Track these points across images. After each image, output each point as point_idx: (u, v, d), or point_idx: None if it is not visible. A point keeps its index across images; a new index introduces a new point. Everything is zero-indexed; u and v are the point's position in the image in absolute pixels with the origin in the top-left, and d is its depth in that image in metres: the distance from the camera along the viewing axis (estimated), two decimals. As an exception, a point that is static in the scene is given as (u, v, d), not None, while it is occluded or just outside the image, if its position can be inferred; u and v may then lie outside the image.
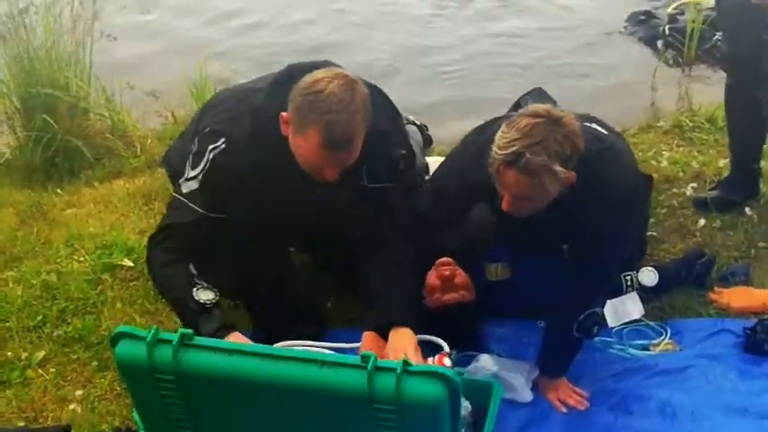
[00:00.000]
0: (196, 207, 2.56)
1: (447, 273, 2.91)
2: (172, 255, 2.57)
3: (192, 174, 2.56)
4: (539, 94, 3.92)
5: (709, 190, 3.61)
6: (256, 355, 1.70)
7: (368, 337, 2.58)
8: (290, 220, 2.66)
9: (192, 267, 2.55)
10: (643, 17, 5.51)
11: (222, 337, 2.31)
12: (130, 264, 3.41)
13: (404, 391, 1.62)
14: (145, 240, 3.43)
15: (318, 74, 2.37)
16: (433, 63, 5.34)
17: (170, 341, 1.72)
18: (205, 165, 2.54)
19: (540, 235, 2.61)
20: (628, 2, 5.78)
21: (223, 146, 2.53)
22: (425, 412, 1.65)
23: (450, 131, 4.29)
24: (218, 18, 6.20)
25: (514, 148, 2.27)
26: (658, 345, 2.93)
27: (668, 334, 2.96)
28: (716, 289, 3.14)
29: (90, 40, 4.26)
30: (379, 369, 1.63)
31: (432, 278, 2.93)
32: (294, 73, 2.47)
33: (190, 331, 1.74)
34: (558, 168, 2.29)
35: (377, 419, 1.67)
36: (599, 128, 2.63)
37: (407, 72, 5.22)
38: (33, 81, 4.15)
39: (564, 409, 2.72)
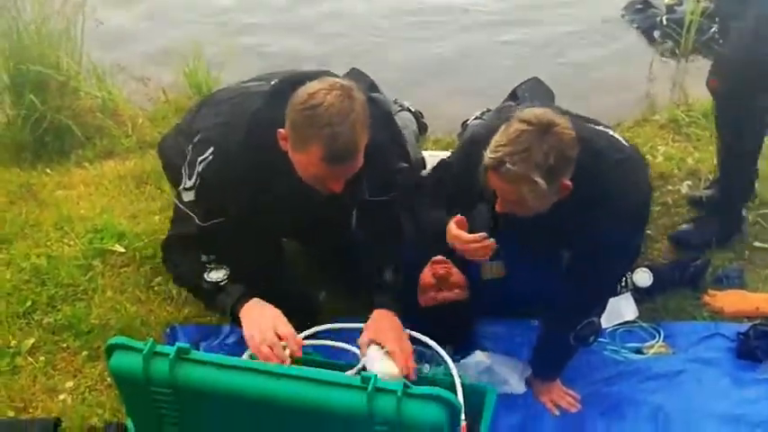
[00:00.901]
0: (196, 219, 2.55)
1: (442, 271, 2.91)
2: (183, 253, 2.66)
3: (189, 184, 2.54)
4: (535, 85, 3.91)
5: (705, 188, 3.60)
6: (254, 372, 1.68)
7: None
8: (287, 228, 2.69)
9: (201, 256, 2.58)
10: (640, 6, 5.46)
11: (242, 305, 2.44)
12: (122, 249, 3.36)
13: (404, 413, 1.61)
14: (137, 226, 3.47)
15: (314, 86, 2.29)
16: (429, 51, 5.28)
17: (167, 354, 1.70)
18: (196, 178, 2.52)
19: (535, 237, 2.60)
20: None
21: (211, 157, 2.50)
22: (425, 433, 1.64)
23: (448, 118, 4.29)
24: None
25: (499, 155, 2.26)
26: (651, 347, 2.94)
27: (661, 336, 2.97)
28: (710, 291, 3.14)
29: (81, 17, 4.19)
30: (379, 390, 1.62)
31: (426, 276, 2.93)
32: (294, 84, 2.39)
33: (187, 345, 1.72)
34: (539, 180, 2.24)
35: (375, 439, 1.66)
36: (618, 137, 2.61)
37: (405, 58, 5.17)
38: (23, 58, 4.07)
39: (557, 412, 2.74)
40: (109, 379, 2.83)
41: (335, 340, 2.55)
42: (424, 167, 3.28)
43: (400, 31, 5.45)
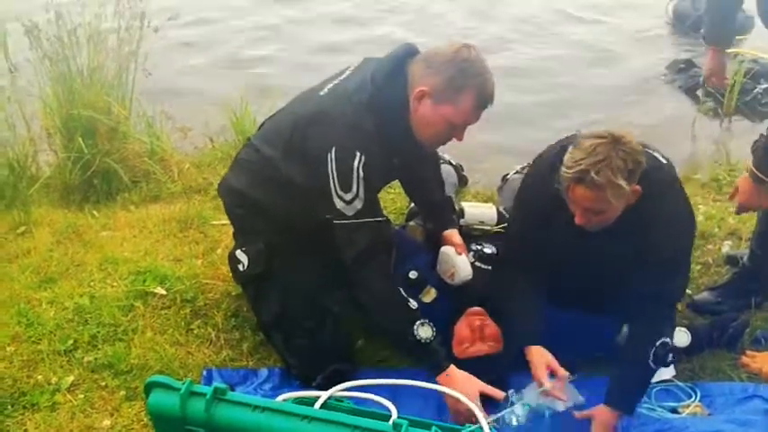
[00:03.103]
0: (376, 218, 2.77)
1: (477, 323, 2.92)
2: (384, 272, 2.82)
3: (350, 196, 2.67)
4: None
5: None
6: (288, 414, 1.70)
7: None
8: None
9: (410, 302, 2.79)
10: (683, 65, 5.51)
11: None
12: (163, 292, 3.41)
13: (435, 460, 1.62)
14: (179, 269, 3.53)
15: (451, 46, 2.70)
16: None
17: (203, 394, 1.73)
18: (358, 184, 2.67)
19: (610, 247, 2.73)
20: (669, 50, 5.78)
21: (363, 158, 2.66)
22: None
23: (486, 172, 4.33)
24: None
25: (581, 167, 2.47)
26: (687, 407, 2.90)
27: (698, 396, 2.94)
28: (748, 353, 3.11)
29: (134, 65, 4.32)
30: (409, 436, 1.63)
31: (461, 328, 2.94)
32: (403, 59, 2.76)
33: (224, 386, 1.75)
34: (622, 182, 2.47)
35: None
36: (657, 155, 2.75)
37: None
38: (75, 103, 4.21)
39: None
40: (146, 419, 2.86)
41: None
42: (463, 217, 3.32)
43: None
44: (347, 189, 2.66)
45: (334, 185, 2.66)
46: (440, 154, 4.23)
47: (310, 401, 1.92)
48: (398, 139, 2.76)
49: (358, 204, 2.68)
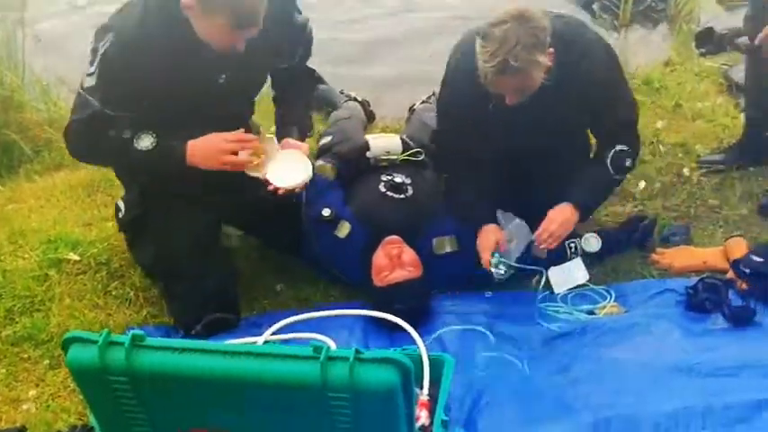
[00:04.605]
0: (94, 100, 2.66)
1: (395, 251, 2.95)
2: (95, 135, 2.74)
3: (90, 70, 2.65)
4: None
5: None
6: (208, 352, 1.70)
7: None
8: (200, 101, 2.76)
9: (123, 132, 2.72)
10: (578, -19, 5.55)
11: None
12: (77, 257, 3.35)
13: (357, 378, 1.64)
14: (90, 233, 3.48)
15: None
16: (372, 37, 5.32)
17: (122, 343, 1.72)
18: (98, 62, 2.63)
19: (549, 111, 2.83)
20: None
21: (111, 40, 2.61)
22: (379, 398, 1.67)
23: (393, 107, 4.33)
24: None
25: (499, 59, 2.56)
26: (604, 308, 2.99)
27: (613, 297, 3.03)
28: (658, 250, 3.22)
29: (21, 32, 4.18)
30: (331, 359, 1.65)
31: (379, 257, 2.97)
32: None
33: (141, 332, 1.74)
34: (540, 57, 2.60)
35: (331, 407, 1.69)
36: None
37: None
38: (-37, 74, 4.07)
39: (543, 246, 2.95)
40: (72, 385, 2.83)
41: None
42: (368, 150, 3.33)
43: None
44: (90, 64, 2.66)
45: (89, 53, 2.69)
46: (344, 91, 4.26)
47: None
48: (182, 41, 2.62)
49: (91, 81, 2.66)
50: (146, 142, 2.71)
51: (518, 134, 2.90)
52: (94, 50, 2.64)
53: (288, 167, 2.86)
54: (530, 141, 2.93)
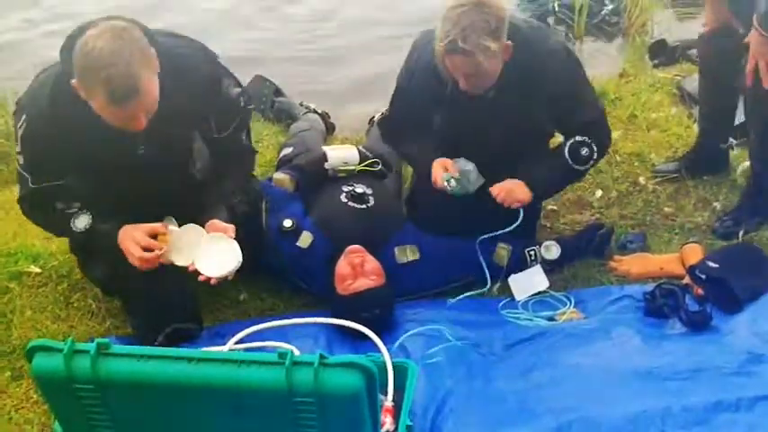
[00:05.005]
0: (29, 181, 2.73)
1: (357, 260, 2.98)
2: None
3: (17, 149, 2.71)
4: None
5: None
6: (174, 359, 1.72)
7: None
8: (124, 174, 2.72)
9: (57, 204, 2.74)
10: (533, -5, 5.64)
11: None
12: (37, 270, 3.34)
13: (322, 382, 1.67)
14: (50, 245, 3.45)
15: (89, 32, 2.38)
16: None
17: (87, 351, 1.73)
18: (20, 142, 2.67)
19: (509, 108, 2.95)
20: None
21: (25, 124, 2.63)
22: (345, 402, 1.69)
23: (352, 116, 4.36)
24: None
25: (450, 38, 2.68)
26: (563, 314, 3.03)
27: (572, 303, 3.07)
28: (615, 257, 3.27)
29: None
30: (296, 364, 1.67)
31: (342, 266, 2.99)
32: (83, 32, 2.43)
33: (107, 340, 1.75)
34: (490, 43, 2.69)
35: (297, 412, 1.71)
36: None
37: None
38: None
39: (500, 199, 3.05)
40: (35, 396, 2.81)
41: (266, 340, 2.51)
42: (326, 160, 3.35)
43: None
44: (15, 142, 2.72)
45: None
46: (303, 103, 4.28)
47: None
48: (94, 117, 2.49)
49: (21, 159, 2.71)
50: (83, 222, 2.72)
51: (475, 124, 3.01)
52: (15, 131, 2.70)
53: (217, 252, 2.73)
54: (486, 133, 3.03)
